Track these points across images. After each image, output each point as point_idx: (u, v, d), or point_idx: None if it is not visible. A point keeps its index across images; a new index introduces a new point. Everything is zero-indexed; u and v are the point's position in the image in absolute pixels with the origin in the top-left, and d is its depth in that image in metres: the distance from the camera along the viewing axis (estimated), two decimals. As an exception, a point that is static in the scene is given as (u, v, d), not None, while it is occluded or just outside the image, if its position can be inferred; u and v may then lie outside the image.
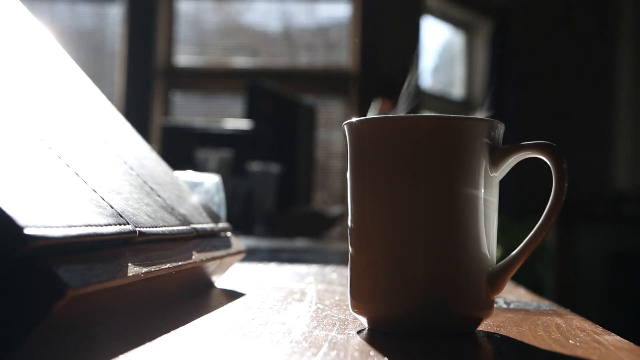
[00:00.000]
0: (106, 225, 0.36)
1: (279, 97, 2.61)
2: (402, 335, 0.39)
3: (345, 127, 0.43)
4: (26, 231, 0.28)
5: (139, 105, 3.47)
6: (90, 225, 0.35)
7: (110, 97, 0.70)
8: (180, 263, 0.46)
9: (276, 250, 1.21)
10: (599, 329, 0.43)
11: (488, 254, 0.41)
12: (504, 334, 0.40)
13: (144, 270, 0.39)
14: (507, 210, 3.07)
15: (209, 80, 3.60)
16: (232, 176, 1.95)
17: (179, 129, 2.55)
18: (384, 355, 0.34)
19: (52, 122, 0.44)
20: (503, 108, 3.39)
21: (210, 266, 0.57)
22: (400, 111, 0.46)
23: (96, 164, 0.45)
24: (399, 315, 0.40)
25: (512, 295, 0.60)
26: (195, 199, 0.63)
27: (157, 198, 0.51)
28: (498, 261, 0.42)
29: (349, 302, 0.42)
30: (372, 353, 0.34)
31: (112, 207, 0.40)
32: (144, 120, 3.43)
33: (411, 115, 0.41)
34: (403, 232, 0.39)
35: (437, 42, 3.90)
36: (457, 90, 3.85)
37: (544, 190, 0.51)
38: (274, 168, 2.11)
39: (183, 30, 3.65)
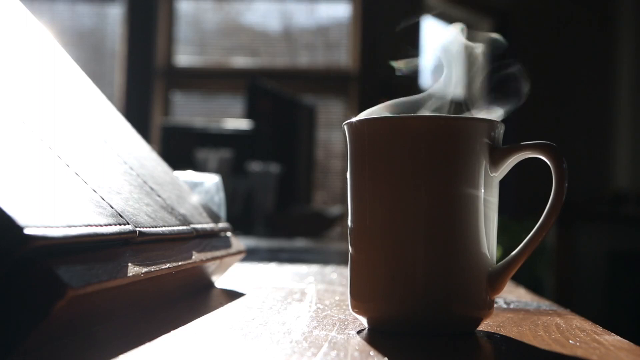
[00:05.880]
0: (106, 225, 0.36)
1: (279, 97, 2.61)
2: (402, 335, 0.39)
3: (345, 127, 0.43)
4: (26, 231, 0.28)
5: (139, 105, 3.47)
6: (90, 225, 0.35)
7: (110, 97, 0.70)
8: (180, 263, 0.46)
9: (276, 250, 1.21)
10: (599, 329, 0.43)
11: (488, 254, 0.41)
12: (504, 334, 0.40)
13: (144, 270, 0.39)
14: (507, 210, 3.07)
15: (209, 80, 3.60)
16: (232, 176, 1.95)
17: (179, 129, 2.55)
18: (384, 355, 0.34)
19: (52, 122, 0.44)
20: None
21: (210, 266, 0.57)
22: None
23: (96, 164, 0.45)
24: (399, 315, 0.40)
25: (512, 295, 0.60)
26: (195, 199, 0.63)
27: (157, 198, 0.51)
28: (498, 261, 0.42)
29: (349, 302, 0.42)
30: (372, 353, 0.34)
31: (112, 207, 0.40)
32: (144, 120, 3.43)
33: (411, 115, 0.41)
34: (403, 232, 0.39)
35: (437, 42, 3.89)
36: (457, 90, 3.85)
37: (544, 190, 0.51)
38: (274, 168, 2.11)
39: (183, 30, 3.65)
